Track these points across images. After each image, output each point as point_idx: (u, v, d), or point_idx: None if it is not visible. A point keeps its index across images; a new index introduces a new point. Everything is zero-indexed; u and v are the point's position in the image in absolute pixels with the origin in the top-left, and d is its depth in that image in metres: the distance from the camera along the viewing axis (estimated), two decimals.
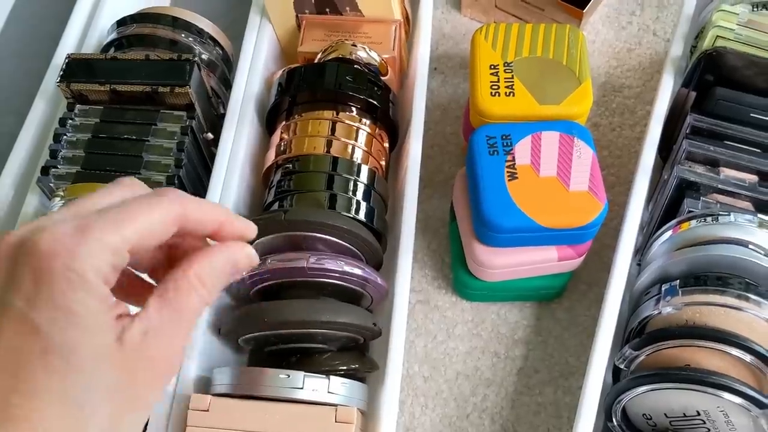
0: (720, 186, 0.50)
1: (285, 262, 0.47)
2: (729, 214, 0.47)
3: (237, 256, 0.33)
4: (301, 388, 0.42)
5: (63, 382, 0.28)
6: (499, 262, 0.51)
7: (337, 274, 0.47)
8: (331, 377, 0.43)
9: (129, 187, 0.32)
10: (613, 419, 0.48)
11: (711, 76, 0.53)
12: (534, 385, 0.53)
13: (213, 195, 0.53)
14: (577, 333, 0.55)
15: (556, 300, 0.56)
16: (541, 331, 0.55)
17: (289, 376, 0.42)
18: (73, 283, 0.28)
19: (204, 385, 0.47)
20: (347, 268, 0.47)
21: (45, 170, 0.52)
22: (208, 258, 0.32)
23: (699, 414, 0.44)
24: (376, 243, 0.50)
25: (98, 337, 0.28)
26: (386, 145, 0.56)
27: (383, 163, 0.55)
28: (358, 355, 0.49)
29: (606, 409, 0.48)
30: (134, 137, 0.52)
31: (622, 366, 0.47)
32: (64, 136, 0.53)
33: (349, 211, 0.50)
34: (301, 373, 0.42)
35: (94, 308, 0.28)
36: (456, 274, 0.55)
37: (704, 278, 0.46)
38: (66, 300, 0.28)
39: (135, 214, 0.29)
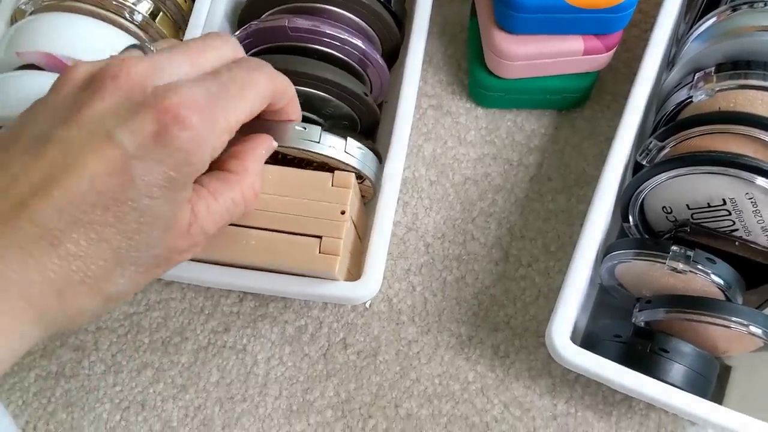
0: None
1: (264, 23, 0.43)
2: None
3: (271, 147, 0.36)
4: (318, 142, 0.39)
5: (129, 240, 0.28)
6: (520, 52, 0.47)
7: (330, 40, 0.43)
8: (349, 139, 0.40)
9: (224, 45, 0.32)
10: (630, 218, 0.45)
11: None
12: (546, 192, 0.50)
13: None
14: (598, 143, 0.51)
15: (577, 109, 0.52)
16: (558, 140, 0.51)
17: (305, 129, 0.39)
18: (192, 164, 0.28)
19: None
20: (346, 36, 0.43)
21: None
22: (261, 148, 0.35)
23: (725, 203, 0.41)
24: (392, 23, 0.47)
25: (181, 210, 0.30)
26: None
27: None
28: (359, 137, 0.46)
29: (623, 205, 0.44)
30: None
31: (644, 162, 0.44)
32: None
33: None
34: (318, 127, 0.39)
35: (190, 185, 0.30)
36: (472, 72, 0.51)
37: (743, 63, 0.42)
38: (177, 173, 0.28)
39: (246, 93, 0.31)
